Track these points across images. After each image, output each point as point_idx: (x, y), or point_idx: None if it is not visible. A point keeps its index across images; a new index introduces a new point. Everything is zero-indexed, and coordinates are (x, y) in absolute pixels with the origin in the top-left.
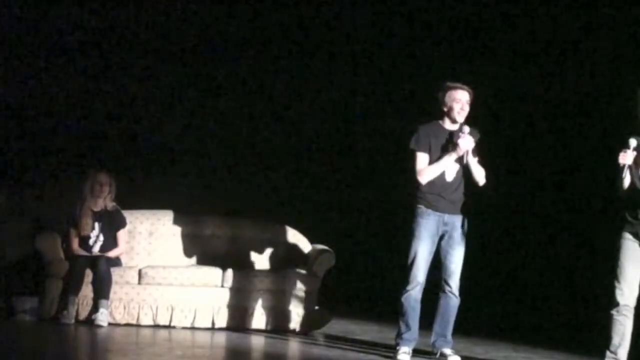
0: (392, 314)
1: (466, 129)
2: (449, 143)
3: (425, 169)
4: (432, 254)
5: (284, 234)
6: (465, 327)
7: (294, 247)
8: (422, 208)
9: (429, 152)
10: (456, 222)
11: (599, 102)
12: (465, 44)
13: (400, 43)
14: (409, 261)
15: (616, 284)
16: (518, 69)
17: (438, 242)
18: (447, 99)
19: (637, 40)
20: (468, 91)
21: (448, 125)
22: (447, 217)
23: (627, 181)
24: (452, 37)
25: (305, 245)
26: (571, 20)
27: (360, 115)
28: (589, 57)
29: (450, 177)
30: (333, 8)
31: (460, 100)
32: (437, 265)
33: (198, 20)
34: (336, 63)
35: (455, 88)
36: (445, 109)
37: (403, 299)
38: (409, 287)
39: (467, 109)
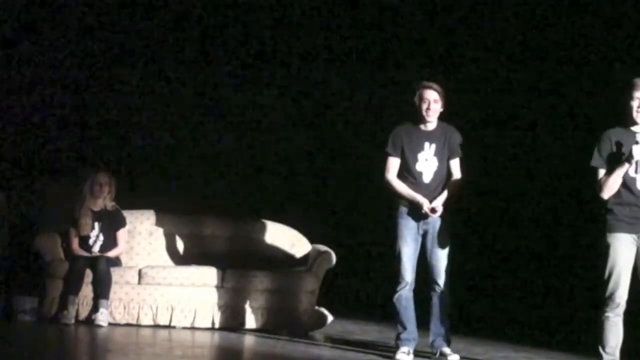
0: (392, 314)
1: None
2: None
3: (395, 182)
4: (417, 252)
5: (284, 234)
6: (465, 327)
7: (294, 247)
8: (402, 208)
9: (402, 154)
10: (437, 221)
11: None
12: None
13: (401, 43)
14: (395, 262)
15: (614, 285)
16: (512, 66)
17: (422, 242)
18: (416, 98)
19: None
20: (435, 89)
21: (422, 125)
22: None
23: (618, 179)
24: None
25: (305, 245)
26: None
27: (360, 114)
28: (580, 55)
29: (427, 178)
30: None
31: (427, 100)
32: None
33: (197, 21)
34: (336, 62)
35: (423, 87)
36: (416, 109)
37: (394, 300)
38: (398, 288)
39: (435, 107)
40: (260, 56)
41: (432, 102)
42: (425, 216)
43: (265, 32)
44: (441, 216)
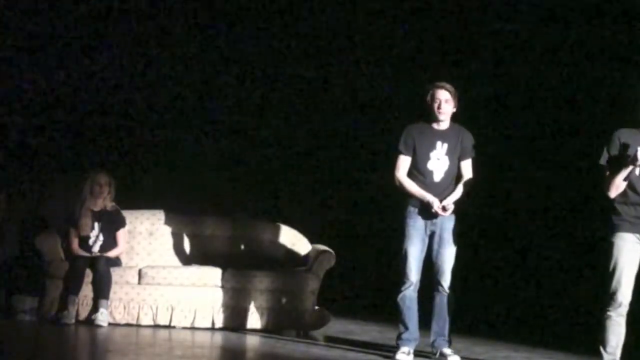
0: (392, 314)
1: None
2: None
3: (405, 180)
4: (423, 253)
5: (284, 234)
6: (465, 327)
7: (294, 247)
8: (410, 208)
9: (414, 153)
10: (445, 222)
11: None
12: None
13: (405, 45)
14: (401, 261)
15: (617, 285)
16: (515, 66)
17: (429, 242)
18: (429, 98)
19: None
20: (447, 89)
21: (434, 124)
22: (436, 218)
23: (622, 180)
24: (443, 40)
25: (305, 245)
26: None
27: (361, 114)
28: (578, 55)
29: (438, 177)
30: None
31: (438, 99)
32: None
33: (197, 19)
34: (336, 62)
35: (435, 87)
36: (429, 109)
37: (398, 299)
38: (402, 287)
39: (446, 107)
40: (260, 56)
41: (444, 101)
42: (434, 216)
43: (264, 30)
44: (448, 217)
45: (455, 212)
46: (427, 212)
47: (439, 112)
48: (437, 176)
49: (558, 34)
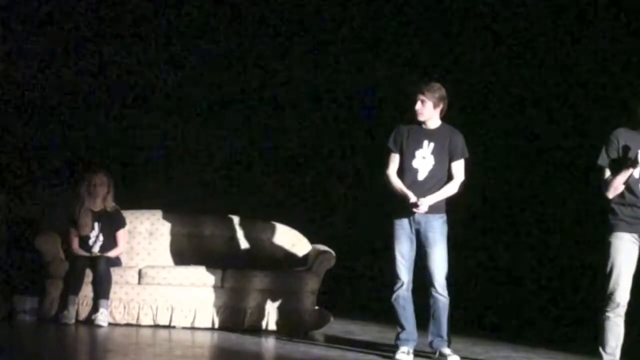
0: (392, 314)
1: None
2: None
3: (392, 177)
4: (413, 252)
5: (284, 234)
6: (465, 327)
7: (294, 247)
8: (396, 207)
9: (401, 151)
10: (430, 221)
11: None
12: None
13: (405, 46)
14: (391, 261)
15: (615, 286)
16: (512, 60)
17: (417, 242)
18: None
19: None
20: (420, 90)
21: (423, 124)
22: (417, 215)
23: (620, 182)
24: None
25: (305, 245)
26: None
27: (360, 115)
28: (575, 52)
29: (422, 176)
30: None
31: (414, 101)
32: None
33: (197, 20)
34: (336, 63)
35: (414, 88)
36: None
37: (392, 300)
38: (395, 288)
39: (420, 107)
40: (259, 56)
41: (419, 102)
42: (412, 213)
43: (261, 33)
44: (434, 216)
45: (444, 213)
46: (406, 209)
47: (415, 112)
48: (422, 175)
49: (557, 33)
